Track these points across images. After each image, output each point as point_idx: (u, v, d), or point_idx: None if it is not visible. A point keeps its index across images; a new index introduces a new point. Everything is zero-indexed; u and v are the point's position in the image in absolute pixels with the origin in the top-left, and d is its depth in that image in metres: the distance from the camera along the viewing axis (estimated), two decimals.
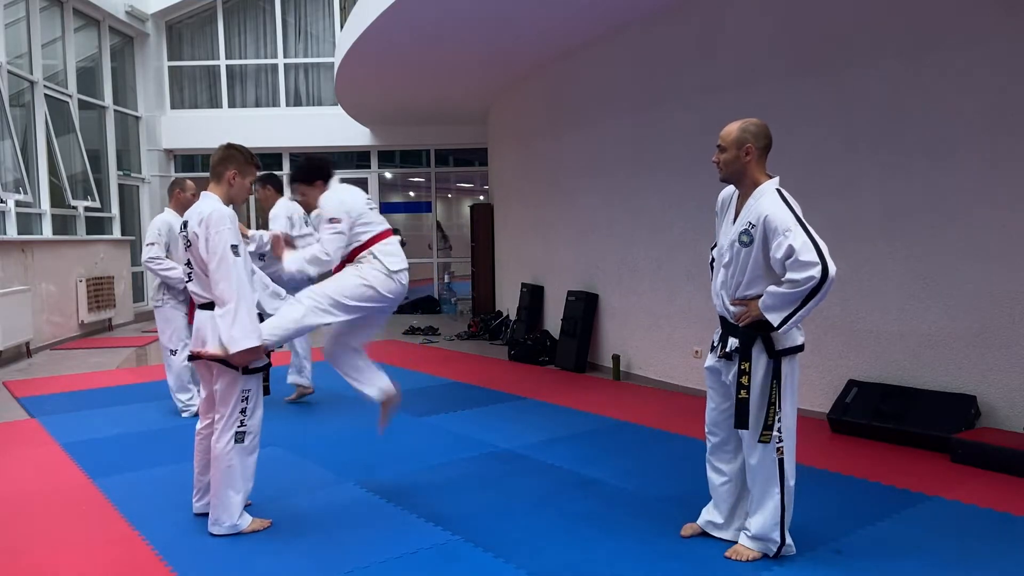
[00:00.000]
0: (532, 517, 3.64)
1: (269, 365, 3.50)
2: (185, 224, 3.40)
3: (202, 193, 3.48)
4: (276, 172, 13.69)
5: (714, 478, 3.30)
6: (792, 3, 5.49)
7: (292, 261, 3.89)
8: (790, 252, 2.84)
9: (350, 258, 3.88)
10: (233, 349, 3.25)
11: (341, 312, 3.74)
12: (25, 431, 5.46)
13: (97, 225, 11.32)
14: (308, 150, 13.67)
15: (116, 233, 11.75)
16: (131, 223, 12.54)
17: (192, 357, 3.47)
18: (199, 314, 3.44)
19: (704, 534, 3.34)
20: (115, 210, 11.79)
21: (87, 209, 10.74)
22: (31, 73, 9.66)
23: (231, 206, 3.45)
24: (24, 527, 3.63)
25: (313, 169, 4.01)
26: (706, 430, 3.30)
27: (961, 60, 4.51)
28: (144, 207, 12.89)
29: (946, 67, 4.58)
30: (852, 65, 5.06)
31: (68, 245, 10.05)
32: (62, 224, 10.24)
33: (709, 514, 3.34)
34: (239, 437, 3.39)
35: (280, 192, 6.17)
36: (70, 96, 10.66)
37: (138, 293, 12.16)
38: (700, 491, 3.89)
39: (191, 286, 3.45)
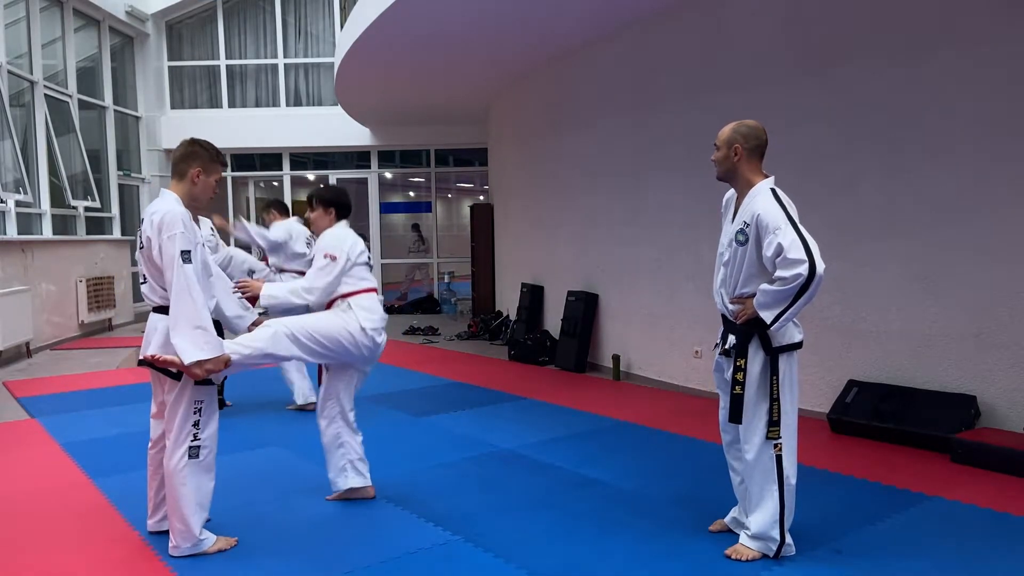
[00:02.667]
0: (532, 517, 3.64)
1: (224, 377, 3.32)
2: (141, 221, 3.22)
3: (161, 190, 3.29)
4: (278, 176, 13.76)
5: (732, 477, 3.33)
6: (792, 3, 5.50)
7: (273, 290, 3.65)
8: (779, 250, 2.88)
9: (327, 305, 3.75)
10: (186, 360, 3.06)
11: (309, 350, 3.54)
12: (25, 431, 5.47)
13: (97, 225, 11.32)
14: (308, 150, 13.69)
15: (116, 233, 11.75)
16: (131, 223, 12.53)
17: (142, 363, 3.24)
18: (151, 317, 3.24)
19: (731, 531, 3.35)
20: (115, 210, 11.79)
21: (87, 209, 10.74)
22: (31, 73, 9.66)
23: (190, 206, 3.26)
24: (24, 527, 3.63)
25: (335, 198, 3.89)
26: (720, 429, 3.33)
27: (961, 60, 4.51)
28: (144, 207, 12.88)
29: (946, 67, 4.58)
30: (852, 65, 5.06)
31: (68, 245, 10.05)
32: (62, 224, 10.24)
33: (735, 512, 3.36)
34: (193, 452, 3.18)
35: (285, 215, 6.29)
36: (70, 96, 10.66)
37: (138, 293, 12.13)
38: (700, 491, 3.90)
39: (143, 288, 3.25)
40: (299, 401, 5.94)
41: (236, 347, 3.32)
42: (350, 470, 3.82)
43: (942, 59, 4.59)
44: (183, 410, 3.18)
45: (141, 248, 3.19)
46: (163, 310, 3.18)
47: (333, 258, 3.67)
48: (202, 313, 3.10)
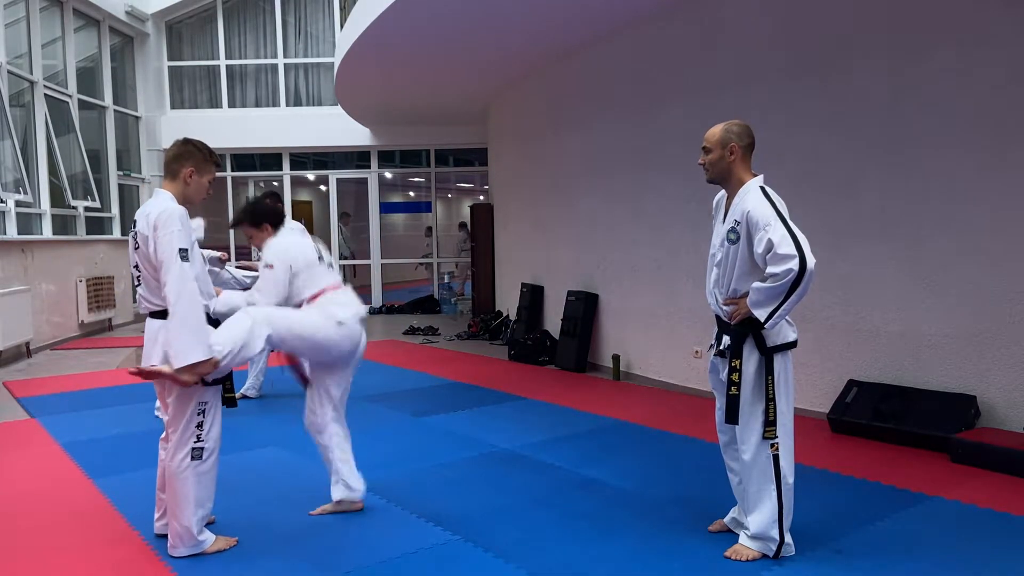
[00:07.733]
0: (532, 517, 3.64)
1: (230, 375, 3.25)
2: (134, 223, 3.20)
3: (154, 190, 3.25)
4: (278, 176, 13.77)
5: (731, 477, 3.32)
6: (792, 3, 5.49)
7: (225, 302, 3.48)
8: (770, 246, 2.89)
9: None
10: (176, 364, 2.98)
11: (291, 339, 3.46)
12: (25, 431, 5.46)
13: (97, 225, 11.32)
14: (308, 150, 13.69)
15: (116, 233, 11.74)
16: (131, 223, 12.53)
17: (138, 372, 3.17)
18: (149, 322, 3.19)
19: (730, 531, 3.35)
20: (115, 210, 11.79)
21: (87, 209, 10.74)
22: (31, 73, 9.66)
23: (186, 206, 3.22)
24: (24, 527, 3.63)
25: (260, 213, 3.83)
26: (717, 429, 3.33)
27: (961, 60, 4.51)
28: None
29: (946, 67, 4.58)
30: (852, 65, 5.06)
31: (68, 245, 10.05)
32: (62, 224, 10.23)
33: (735, 512, 3.36)
34: (196, 454, 3.15)
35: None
36: (70, 96, 10.65)
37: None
38: (700, 491, 3.91)
39: (140, 291, 3.19)
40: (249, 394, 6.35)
41: (218, 347, 3.20)
42: (342, 481, 3.70)
43: (942, 59, 4.59)
44: (186, 412, 3.15)
45: (137, 248, 3.16)
46: (160, 315, 3.13)
47: (270, 267, 3.62)
48: (197, 313, 3.06)
